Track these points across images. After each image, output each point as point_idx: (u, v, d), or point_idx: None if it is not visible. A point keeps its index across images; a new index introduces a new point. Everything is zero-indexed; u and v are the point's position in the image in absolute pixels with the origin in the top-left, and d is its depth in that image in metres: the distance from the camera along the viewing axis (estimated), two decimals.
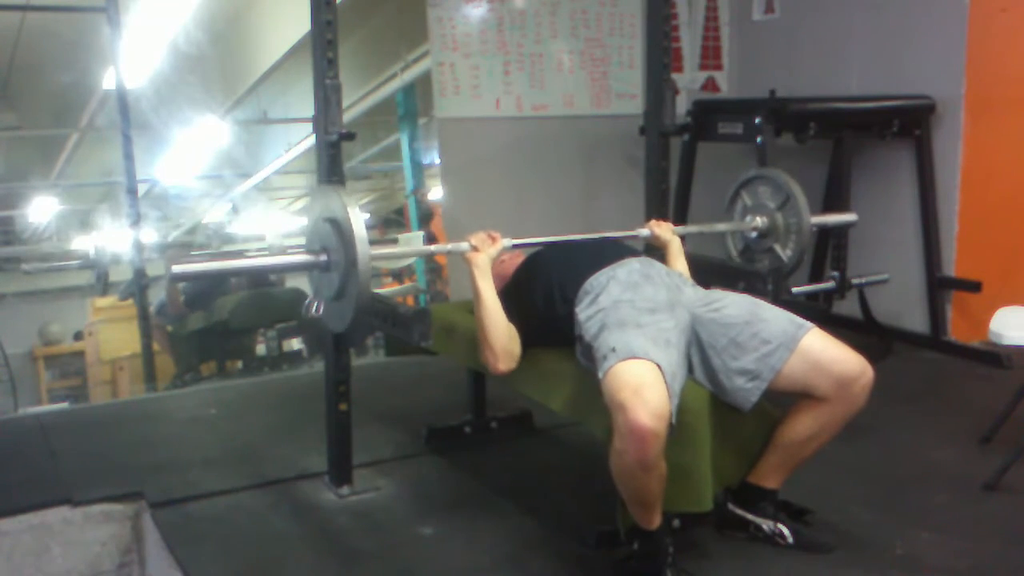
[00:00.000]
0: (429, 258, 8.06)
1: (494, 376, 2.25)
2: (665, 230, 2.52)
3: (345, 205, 1.97)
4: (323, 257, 2.08)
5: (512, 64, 4.25)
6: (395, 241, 8.45)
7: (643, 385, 1.75)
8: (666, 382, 1.78)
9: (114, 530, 2.48)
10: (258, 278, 5.88)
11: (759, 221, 2.65)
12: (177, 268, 2.01)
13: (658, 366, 1.80)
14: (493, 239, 2.24)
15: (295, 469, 2.67)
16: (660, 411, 1.72)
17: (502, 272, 2.36)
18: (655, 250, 2.50)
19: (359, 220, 1.96)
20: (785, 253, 2.61)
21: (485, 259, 2.20)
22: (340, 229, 2.00)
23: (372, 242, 2.42)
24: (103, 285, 5.01)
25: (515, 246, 2.32)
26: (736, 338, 1.98)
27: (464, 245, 2.23)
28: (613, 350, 1.85)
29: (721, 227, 2.76)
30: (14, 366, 7.10)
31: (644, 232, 2.54)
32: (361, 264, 1.94)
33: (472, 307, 2.47)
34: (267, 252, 5.81)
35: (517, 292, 2.27)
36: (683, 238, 2.54)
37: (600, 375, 1.84)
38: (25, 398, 7.64)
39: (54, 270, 6.61)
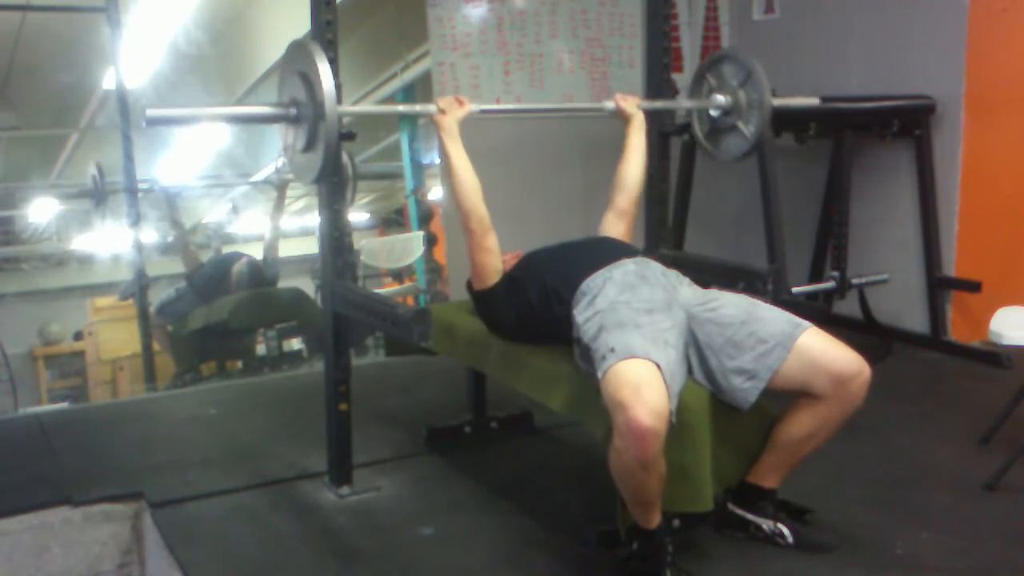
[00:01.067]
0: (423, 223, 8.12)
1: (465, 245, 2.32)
2: (630, 104, 2.61)
3: (315, 59, 2.01)
4: (292, 110, 2.12)
5: (512, 64, 4.25)
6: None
7: (643, 384, 1.75)
8: (665, 382, 1.78)
9: (114, 530, 2.48)
10: (258, 278, 5.87)
11: (722, 99, 2.70)
12: (151, 112, 2.03)
13: (657, 366, 1.80)
14: (461, 103, 2.36)
15: (295, 469, 2.67)
16: (660, 410, 1.72)
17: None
18: (652, 251, 2.50)
19: (327, 73, 2.01)
20: (748, 129, 2.67)
21: (452, 121, 2.33)
22: (309, 82, 2.03)
23: None
24: (103, 210, 5.17)
25: (483, 111, 2.42)
26: (733, 337, 1.98)
27: (432, 107, 2.34)
28: (612, 350, 1.85)
29: (686, 104, 2.91)
30: (14, 366, 7.10)
31: (609, 105, 2.61)
32: (328, 114, 1.99)
33: (471, 307, 2.47)
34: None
35: (516, 288, 2.27)
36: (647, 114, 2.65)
37: (599, 375, 1.84)
38: (25, 398, 7.63)
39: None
